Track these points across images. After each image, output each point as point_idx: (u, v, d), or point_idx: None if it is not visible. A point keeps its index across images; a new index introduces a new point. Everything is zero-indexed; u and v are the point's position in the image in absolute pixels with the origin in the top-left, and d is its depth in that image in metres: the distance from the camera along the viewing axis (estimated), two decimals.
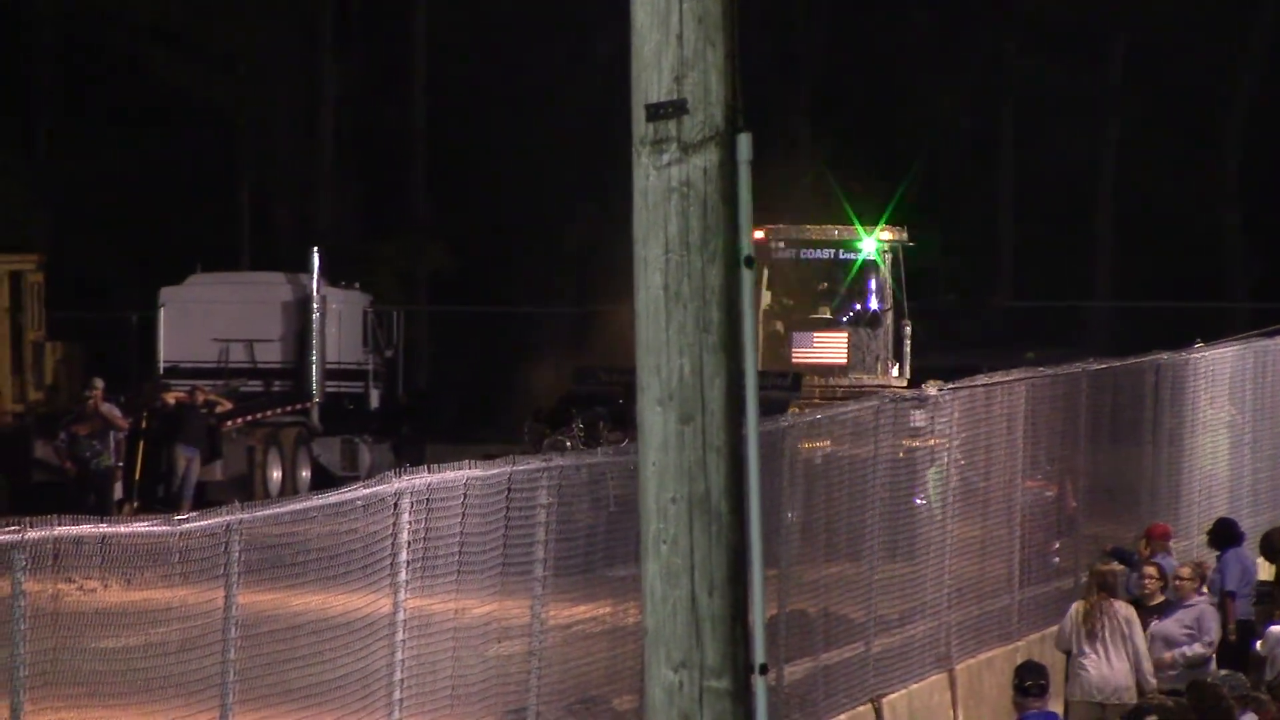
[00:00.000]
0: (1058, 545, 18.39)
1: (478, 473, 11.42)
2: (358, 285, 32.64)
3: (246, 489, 26.63)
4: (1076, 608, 14.46)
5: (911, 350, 24.39)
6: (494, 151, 41.18)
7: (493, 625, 11.63)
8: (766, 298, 23.17)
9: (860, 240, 23.63)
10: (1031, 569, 17.55)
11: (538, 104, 41.70)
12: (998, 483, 17.22)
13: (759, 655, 4.62)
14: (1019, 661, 13.83)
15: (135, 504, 26.74)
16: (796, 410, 18.27)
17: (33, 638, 8.27)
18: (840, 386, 22.61)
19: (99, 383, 27.58)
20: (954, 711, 15.93)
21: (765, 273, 22.83)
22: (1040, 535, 17.89)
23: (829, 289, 24.04)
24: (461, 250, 42.05)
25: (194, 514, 10.52)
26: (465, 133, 42.37)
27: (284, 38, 42.08)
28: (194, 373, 29.72)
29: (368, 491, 10.75)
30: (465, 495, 11.07)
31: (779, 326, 23.63)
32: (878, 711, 14.91)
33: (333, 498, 10.99)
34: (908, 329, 24.20)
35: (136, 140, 41.31)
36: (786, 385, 21.00)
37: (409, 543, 10.51)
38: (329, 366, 30.14)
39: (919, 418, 16.36)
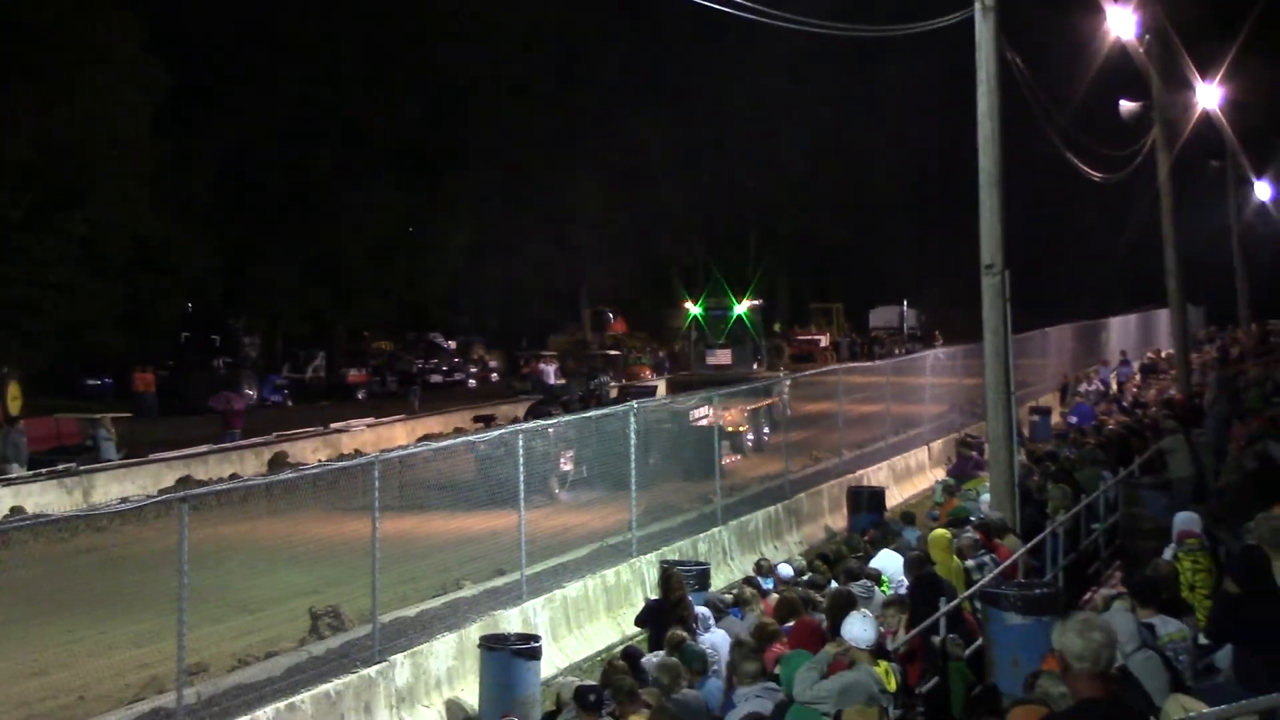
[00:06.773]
0: None
1: None
2: None
3: None
4: None
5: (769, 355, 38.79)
6: None
7: None
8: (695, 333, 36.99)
9: (735, 305, 36.78)
10: None
11: None
12: None
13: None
14: None
15: None
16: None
17: None
18: (728, 370, 34.90)
19: None
20: None
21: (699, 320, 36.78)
22: None
23: (722, 329, 36.77)
24: None
25: None
26: None
27: None
28: None
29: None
30: None
31: (701, 347, 36.82)
32: None
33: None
34: (763, 346, 37.29)
35: None
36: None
37: None
38: None
39: None
